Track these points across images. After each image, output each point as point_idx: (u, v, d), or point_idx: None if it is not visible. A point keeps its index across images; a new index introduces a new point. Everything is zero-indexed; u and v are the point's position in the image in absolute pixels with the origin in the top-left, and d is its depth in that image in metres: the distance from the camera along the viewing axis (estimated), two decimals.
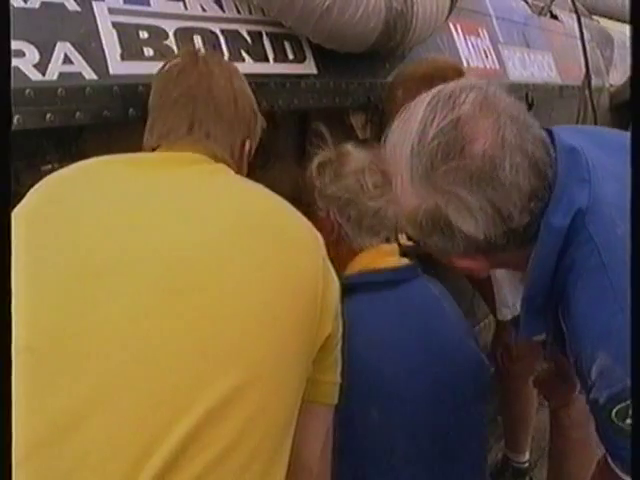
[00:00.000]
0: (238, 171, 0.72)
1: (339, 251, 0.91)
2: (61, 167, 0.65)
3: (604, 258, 0.55)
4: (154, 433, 0.48)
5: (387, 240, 0.93)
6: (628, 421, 0.54)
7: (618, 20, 2.62)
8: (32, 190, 0.60)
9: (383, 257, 0.92)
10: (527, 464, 1.83)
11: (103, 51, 0.80)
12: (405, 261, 0.93)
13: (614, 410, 0.55)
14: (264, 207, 0.64)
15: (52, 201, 0.59)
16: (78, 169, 0.63)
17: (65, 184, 0.61)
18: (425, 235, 0.59)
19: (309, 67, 1.10)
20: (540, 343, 1.30)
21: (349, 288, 0.84)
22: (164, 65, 0.76)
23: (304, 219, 0.66)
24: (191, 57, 0.75)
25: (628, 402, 0.53)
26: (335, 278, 0.65)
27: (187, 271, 0.54)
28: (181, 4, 0.94)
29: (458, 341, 0.92)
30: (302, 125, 1.50)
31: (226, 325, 0.53)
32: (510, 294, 1.17)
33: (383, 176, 0.86)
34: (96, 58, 0.78)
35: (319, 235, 0.66)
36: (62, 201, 0.59)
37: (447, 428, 0.87)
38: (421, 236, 0.60)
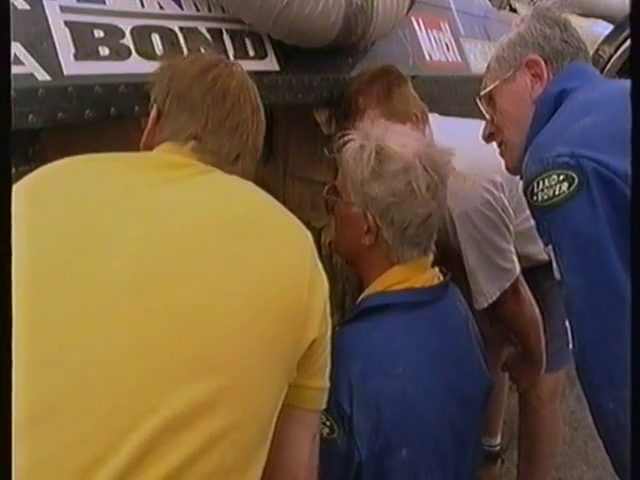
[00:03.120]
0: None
1: (373, 257, 0.85)
2: (18, 172, 0.63)
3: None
4: (109, 439, 0.46)
5: (425, 251, 0.85)
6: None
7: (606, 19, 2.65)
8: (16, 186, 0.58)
9: (421, 273, 0.85)
10: (498, 447, 1.89)
11: (56, 51, 0.77)
12: (438, 275, 0.88)
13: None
14: (246, 207, 0.62)
15: (32, 197, 0.57)
16: (60, 166, 0.61)
17: (49, 182, 0.60)
18: None
19: (271, 64, 1.09)
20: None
21: (384, 305, 0.81)
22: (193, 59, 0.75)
23: (292, 217, 0.64)
24: (225, 65, 0.74)
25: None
26: (324, 279, 0.63)
27: (158, 271, 0.52)
28: (137, 2, 0.92)
29: (478, 366, 0.90)
30: (268, 121, 1.50)
31: (197, 328, 0.51)
32: (484, 281, 1.19)
33: (437, 174, 0.81)
34: (49, 58, 0.76)
35: (309, 234, 0.64)
36: (38, 199, 0.57)
37: (458, 452, 0.84)
38: None
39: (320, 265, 0.63)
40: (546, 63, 0.86)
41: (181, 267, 0.53)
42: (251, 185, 0.65)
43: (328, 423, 0.74)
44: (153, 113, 0.72)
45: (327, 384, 0.66)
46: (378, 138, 0.83)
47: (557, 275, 0.72)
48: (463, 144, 1.10)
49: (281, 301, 0.57)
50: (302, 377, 0.61)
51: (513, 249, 1.22)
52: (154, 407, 0.48)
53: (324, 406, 0.67)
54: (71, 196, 0.57)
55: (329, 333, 0.64)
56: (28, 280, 0.50)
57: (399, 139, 0.84)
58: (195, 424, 0.49)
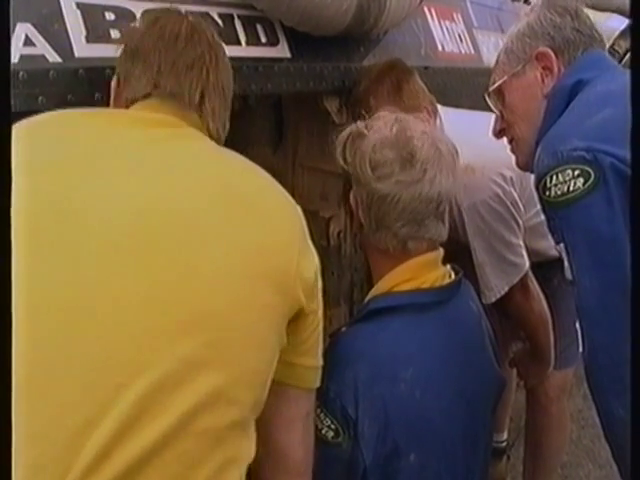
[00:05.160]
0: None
1: (368, 245, 0.84)
2: None
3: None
4: (101, 399, 0.45)
5: (404, 243, 0.80)
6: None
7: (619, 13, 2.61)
8: None
9: (429, 271, 0.82)
10: (505, 443, 1.88)
11: (67, 33, 0.77)
12: (449, 272, 0.85)
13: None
14: (241, 173, 0.62)
15: (30, 144, 0.55)
16: (49, 119, 0.60)
17: (35, 134, 0.58)
18: None
19: (282, 51, 1.08)
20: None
21: (393, 307, 0.79)
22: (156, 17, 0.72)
23: (282, 190, 0.64)
24: (173, 13, 0.72)
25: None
26: (314, 254, 0.63)
27: (152, 230, 0.52)
28: None
29: (489, 366, 0.88)
30: (278, 110, 1.49)
31: (190, 285, 0.51)
32: (492, 276, 1.18)
33: (404, 149, 0.78)
34: (60, 40, 0.76)
35: (299, 209, 0.64)
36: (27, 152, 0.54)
37: (469, 455, 0.82)
38: None
39: (310, 242, 0.63)
40: (557, 55, 0.83)
41: (174, 226, 0.53)
42: (239, 156, 0.64)
43: (333, 427, 0.73)
44: (113, 83, 0.71)
45: (320, 362, 0.65)
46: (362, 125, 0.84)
47: (568, 275, 0.69)
48: (472, 137, 1.09)
49: (272, 262, 0.56)
50: (294, 354, 0.61)
51: (522, 244, 1.21)
52: (147, 364, 0.47)
53: (317, 384, 0.66)
54: (67, 150, 0.56)
55: (321, 312, 0.63)
56: (27, 233, 0.47)
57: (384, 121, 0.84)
58: (189, 381, 0.48)
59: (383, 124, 0.82)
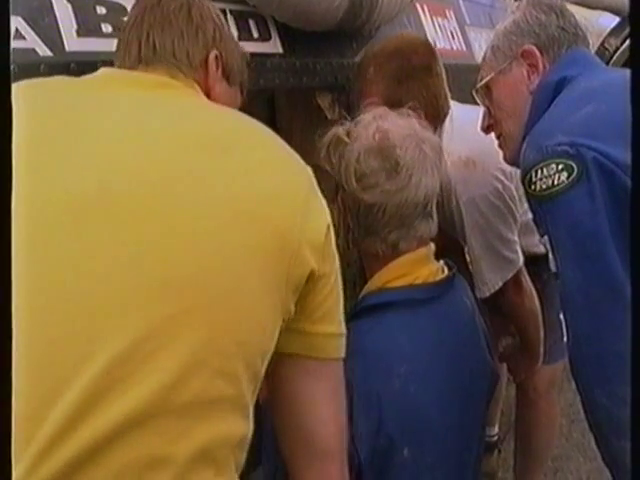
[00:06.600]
0: (204, 82, 0.67)
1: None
2: None
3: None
4: (67, 367, 0.42)
5: (395, 246, 0.81)
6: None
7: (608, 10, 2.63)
8: None
9: (421, 266, 0.82)
10: (496, 437, 1.90)
11: (58, 27, 0.77)
12: (442, 267, 0.86)
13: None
14: (233, 127, 0.58)
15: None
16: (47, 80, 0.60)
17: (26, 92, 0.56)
18: None
19: (275, 46, 1.08)
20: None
21: (386, 303, 0.79)
22: None
23: (287, 148, 0.60)
24: None
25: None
26: (323, 214, 0.57)
27: (121, 189, 0.48)
28: None
29: (483, 360, 0.89)
30: (270, 105, 1.49)
31: (166, 245, 0.47)
32: (487, 271, 1.19)
33: (388, 158, 0.78)
34: (50, 34, 0.75)
35: (308, 168, 0.59)
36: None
37: (462, 448, 0.83)
38: None
39: (323, 201, 0.58)
40: (541, 52, 0.85)
41: (155, 184, 0.49)
42: (234, 110, 0.62)
43: None
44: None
45: (341, 329, 0.60)
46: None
47: (553, 267, 0.71)
48: (474, 131, 1.10)
49: (270, 222, 0.51)
50: (307, 322, 0.56)
51: (517, 240, 1.21)
52: (114, 333, 0.44)
53: (341, 354, 0.61)
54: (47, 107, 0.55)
55: (336, 275, 0.58)
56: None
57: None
58: (165, 349, 0.44)
59: (364, 130, 0.81)
